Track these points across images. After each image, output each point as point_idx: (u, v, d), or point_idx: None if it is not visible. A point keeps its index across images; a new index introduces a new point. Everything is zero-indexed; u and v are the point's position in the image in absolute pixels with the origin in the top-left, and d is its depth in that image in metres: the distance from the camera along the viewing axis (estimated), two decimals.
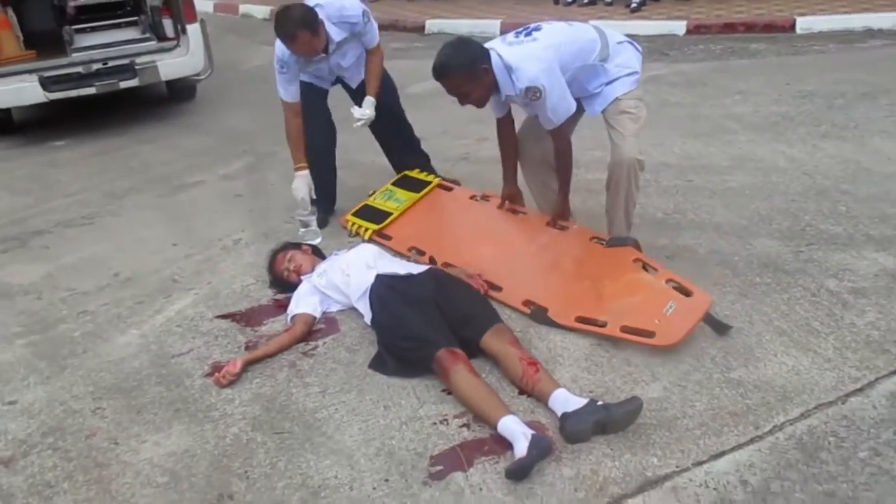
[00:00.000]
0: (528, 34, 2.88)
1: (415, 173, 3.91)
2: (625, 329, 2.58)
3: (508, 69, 2.78)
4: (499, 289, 2.95)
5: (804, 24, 7.52)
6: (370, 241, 3.49)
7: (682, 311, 2.61)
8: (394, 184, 3.87)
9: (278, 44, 3.36)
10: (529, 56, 2.78)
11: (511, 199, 3.42)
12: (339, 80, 3.79)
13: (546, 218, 3.30)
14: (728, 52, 6.97)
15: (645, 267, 2.88)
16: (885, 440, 2.10)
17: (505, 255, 3.17)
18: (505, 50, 2.82)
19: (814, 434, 2.14)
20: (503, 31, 8.62)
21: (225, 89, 7.08)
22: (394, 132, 3.98)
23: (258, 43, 9.50)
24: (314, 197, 3.67)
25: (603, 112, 2.97)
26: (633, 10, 8.57)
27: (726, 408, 2.27)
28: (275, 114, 6.14)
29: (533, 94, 2.76)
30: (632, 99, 2.96)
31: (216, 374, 2.62)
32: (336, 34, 3.40)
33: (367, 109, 3.59)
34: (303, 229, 3.64)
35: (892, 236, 3.21)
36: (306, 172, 3.64)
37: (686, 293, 2.69)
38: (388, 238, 3.51)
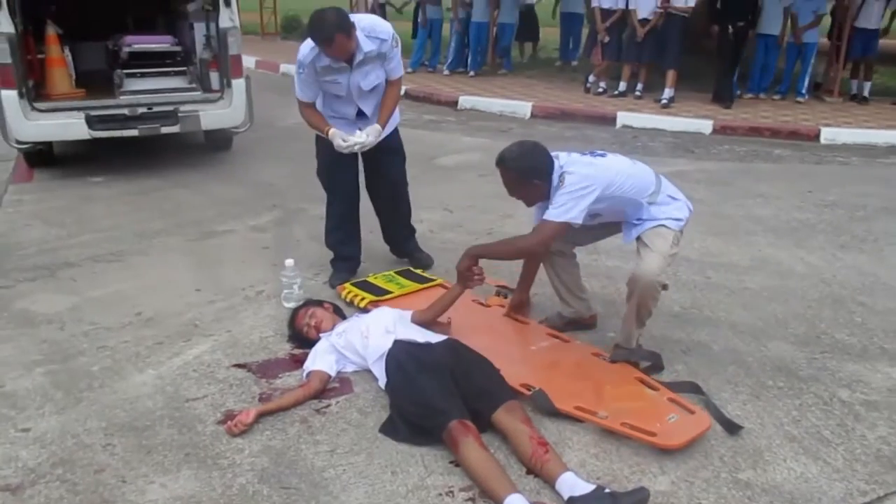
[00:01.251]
0: (595, 155, 3.04)
1: (419, 271, 4.01)
2: (625, 425, 2.59)
3: (560, 173, 2.91)
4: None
5: (828, 134, 7.72)
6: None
7: (685, 422, 2.63)
8: (396, 272, 3.95)
9: (302, 47, 3.49)
10: (585, 163, 2.95)
11: (518, 306, 3.50)
12: (360, 114, 3.80)
13: (547, 329, 3.35)
14: (752, 154, 7.13)
15: (646, 383, 2.90)
16: None
17: (503, 347, 3.14)
18: (566, 158, 2.98)
19: None
20: (534, 114, 8.92)
21: (260, 143, 7.28)
22: (391, 207, 4.10)
23: (295, 102, 9.82)
24: (358, 138, 3.63)
25: (638, 237, 2.99)
26: (664, 106, 8.80)
27: None
28: (306, 170, 6.34)
29: (561, 181, 2.87)
30: (671, 232, 2.97)
31: (228, 423, 2.65)
32: (365, 45, 3.47)
33: (366, 134, 3.61)
34: (286, 291, 3.67)
35: None
36: (335, 130, 3.67)
37: (688, 411, 2.70)
38: None
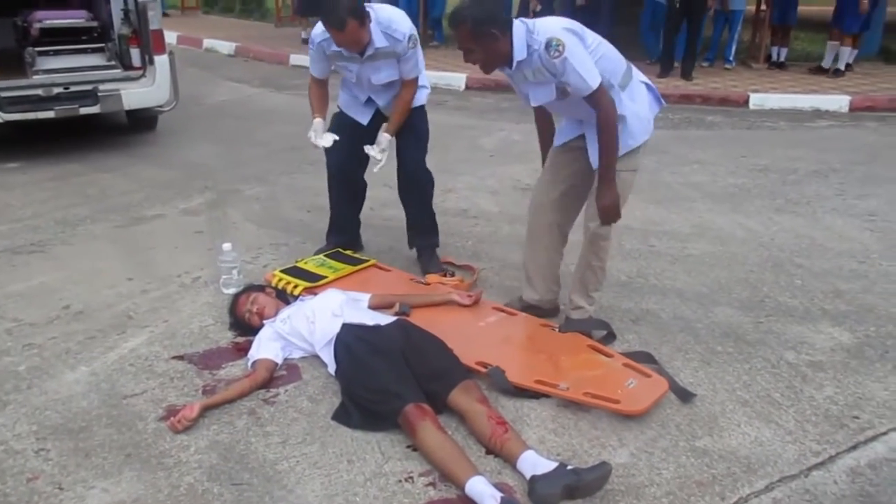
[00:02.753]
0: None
1: (349, 252, 3.84)
2: (588, 395, 2.58)
3: (530, 31, 2.62)
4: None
5: (757, 100, 7.88)
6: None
7: (644, 387, 2.63)
8: (326, 255, 3.77)
9: (317, 26, 3.31)
10: (554, 18, 2.68)
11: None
12: (370, 101, 3.62)
13: (493, 304, 3.28)
14: (686, 122, 7.23)
15: (600, 351, 2.90)
16: None
17: (451, 326, 3.04)
18: (531, 20, 2.71)
19: None
20: (468, 86, 8.80)
21: (187, 122, 6.99)
22: (411, 192, 3.76)
23: (222, 78, 9.50)
24: (321, 140, 3.48)
25: (595, 169, 2.83)
26: None
27: (693, 477, 2.28)
28: (238, 149, 6.16)
29: (555, 52, 2.54)
30: (626, 171, 2.84)
31: (171, 419, 2.51)
32: (378, 40, 3.27)
33: (378, 148, 3.45)
34: (224, 276, 3.51)
35: (846, 312, 3.32)
36: (320, 120, 3.52)
37: (645, 375, 2.71)
38: None
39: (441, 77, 9.01)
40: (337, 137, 3.48)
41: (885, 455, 2.38)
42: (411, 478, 2.28)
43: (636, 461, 2.35)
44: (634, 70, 2.89)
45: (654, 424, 2.53)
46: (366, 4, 3.24)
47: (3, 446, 2.44)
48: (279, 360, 2.87)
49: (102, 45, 6.06)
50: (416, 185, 3.71)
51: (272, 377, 2.79)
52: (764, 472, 2.30)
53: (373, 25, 3.25)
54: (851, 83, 8.50)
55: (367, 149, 3.48)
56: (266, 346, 2.89)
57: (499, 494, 2.09)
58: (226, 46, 11.72)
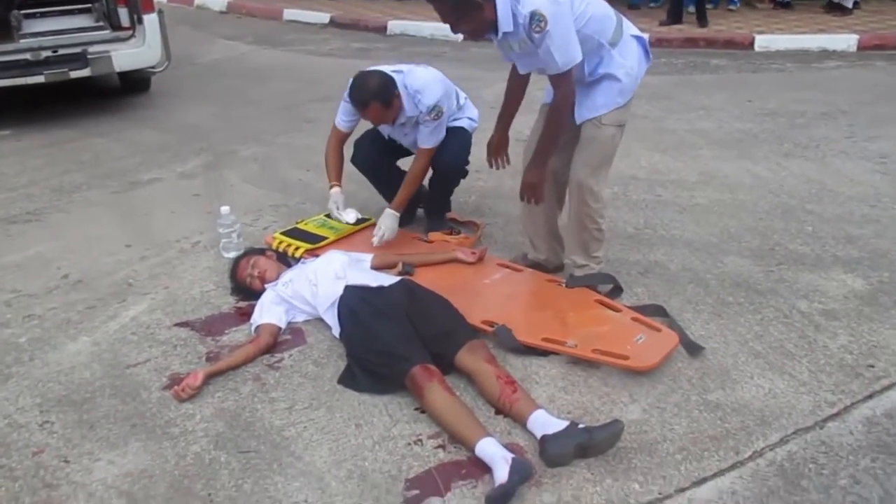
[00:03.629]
0: None
1: None
2: (596, 352, 2.53)
3: (515, 0, 2.48)
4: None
5: (762, 41, 7.68)
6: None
7: (653, 341, 2.58)
8: (327, 215, 3.66)
9: None
10: None
11: (499, 146, 3.11)
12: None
13: (498, 260, 3.22)
14: (690, 66, 7.06)
15: (607, 306, 2.84)
16: (863, 467, 2.08)
17: (456, 284, 2.99)
18: None
19: (794, 460, 2.12)
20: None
21: (181, 83, 6.85)
22: (436, 183, 3.59)
23: (214, 36, 9.30)
24: (344, 215, 3.48)
25: (581, 124, 2.80)
26: None
27: (706, 432, 2.24)
28: (233, 110, 6.04)
29: (537, 26, 2.45)
30: (612, 126, 2.76)
31: (175, 388, 2.47)
32: (409, 108, 3.19)
33: (384, 224, 3.29)
34: (223, 240, 3.44)
35: (858, 258, 3.25)
36: (338, 190, 3.46)
37: (654, 329, 2.65)
38: None
39: (438, 28, 8.80)
40: (360, 215, 3.47)
41: None
42: (420, 440, 2.25)
43: (648, 417, 2.31)
44: (626, 23, 2.79)
45: (665, 379, 2.48)
46: (399, 68, 3.19)
47: (6, 420, 2.41)
48: (283, 325, 2.82)
49: (89, 5, 5.92)
50: (444, 180, 3.56)
51: (276, 342, 2.75)
52: (778, 424, 2.26)
53: (403, 95, 3.17)
54: (859, 21, 8.27)
55: (340, 213, 3.45)
56: (269, 311, 2.84)
57: (510, 455, 2.05)
58: (218, 3, 11.44)
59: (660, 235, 3.54)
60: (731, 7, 9.21)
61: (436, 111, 3.19)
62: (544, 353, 2.62)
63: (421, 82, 3.20)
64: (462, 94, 3.56)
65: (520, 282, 3.07)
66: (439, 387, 2.31)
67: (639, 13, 9.14)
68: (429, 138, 3.29)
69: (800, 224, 3.61)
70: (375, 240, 3.27)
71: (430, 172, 3.46)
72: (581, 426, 2.15)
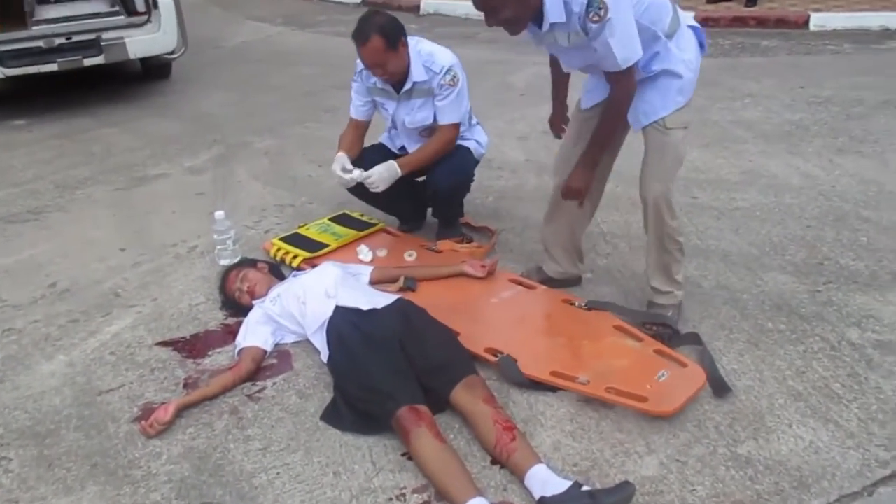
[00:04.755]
0: None
1: (357, 214, 3.48)
2: (611, 391, 2.23)
3: None
4: (456, 333, 2.47)
5: (818, 20, 7.14)
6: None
7: (677, 379, 2.26)
8: (331, 219, 3.44)
9: None
10: None
11: (559, 121, 2.90)
12: (403, 150, 3.26)
13: (510, 276, 2.92)
14: (738, 48, 6.59)
15: (628, 333, 2.53)
16: None
17: (462, 302, 2.74)
18: None
19: None
20: None
21: (203, 68, 6.67)
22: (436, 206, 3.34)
23: (244, 17, 9.09)
24: (350, 170, 2.99)
25: (644, 130, 2.46)
26: None
27: (733, 495, 1.93)
28: (252, 97, 5.81)
29: (595, 15, 2.11)
30: (679, 129, 2.43)
31: (143, 422, 2.26)
32: (417, 73, 2.95)
33: (377, 171, 2.95)
34: (218, 247, 3.21)
35: None
36: (343, 154, 3.06)
37: (680, 364, 2.34)
38: None
39: (472, 8, 8.43)
40: (366, 172, 2.97)
41: None
42: (403, 495, 1.99)
43: (666, 473, 2.01)
44: (681, 13, 2.43)
45: (688, 425, 2.17)
46: (410, 38, 2.91)
47: None
48: (268, 347, 2.59)
49: None
50: (443, 202, 3.25)
51: (259, 367, 2.52)
52: (819, 487, 1.94)
53: (413, 57, 2.92)
54: None
55: (343, 174, 3.00)
56: (254, 332, 2.60)
57: None
58: None
59: (693, 245, 3.19)
60: None
61: (451, 74, 2.95)
62: (553, 388, 2.33)
63: (433, 47, 2.99)
64: (474, 118, 3.26)
65: (531, 302, 2.77)
66: (428, 433, 2.05)
67: None
68: (451, 111, 3.01)
69: (853, 234, 3.22)
70: (357, 177, 2.95)
71: (430, 186, 3.16)
72: (585, 489, 1.86)
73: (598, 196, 2.78)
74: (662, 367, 2.32)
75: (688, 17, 2.46)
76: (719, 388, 2.29)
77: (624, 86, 2.29)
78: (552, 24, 2.22)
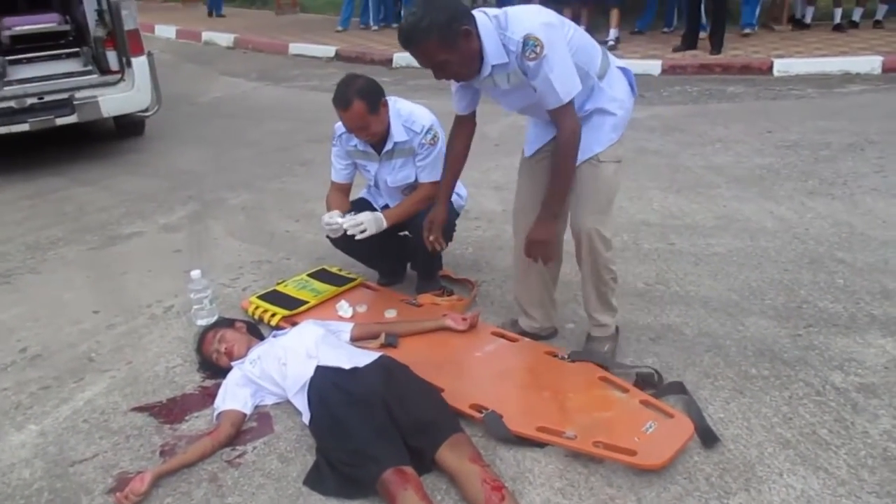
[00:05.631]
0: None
1: (335, 269, 3.46)
2: (598, 444, 2.19)
3: (501, 26, 2.23)
4: (439, 390, 2.43)
5: (781, 66, 7.37)
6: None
7: (665, 430, 2.23)
8: (310, 275, 3.41)
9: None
10: (529, 9, 2.26)
11: (432, 224, 2.83)
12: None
13: (493, 329, 2.90)
14: (705, 94, 6.74)
15: (613, 384, 2.50)
16: None
17: (444, 357, 2.71)
18: (495, 10, 2.30)
19: None
20: None
21: (177, 124, 6.66)
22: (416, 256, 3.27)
23: (218, 73, 9.15)
24: (341, 219, 2.96)
25: (578, 167, 2.44)
26: (610, 48, 8.32)
27: None
28: (227, 153, 5.80)
29: (531, 53, 2.17)
30: (611, 162, 2.48)
31: (118, 494, 2.17)
32: (397, 133, 2.98)
33: (366, 219, 2.91)
34: (195, 306, 3.15)
35: None
36: (336, 210, 3.04)
37: (666, 415, 2.31)
38: None
39: None
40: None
41: None
42: None
43: None
44: (610, 55, 2.52)
45: (679, 478, 2.14)
46: (388, 98, 2.94)
47: None
48: (248, 410, 2.52)
49: (77, 49, 5.74)
50: (424, 256, 3.15)
51: (239, 431, 2.45)
52: None
53: (393, 117, 2.95)
54: (882, 41, 7.92)
55: (340, 220, 2.96)
56: (233, 395, 2.54)
57: None
58: (225, 38, 11.35)
59: (673, 292, 3.21)
60: (748, 31, 8.77)
61: (432, 133, 2.98)
62: (540, 444, 2.29)
63: (411, 107, 3.03)
64: None
65: (515, 355, 2.75)
66: (415, 495, 1.99)
67: (649, 39, 8.88)
68: (432, 170, 3.02)
69: (830, 276, 3.25)
70: (346, 225, 2.91)
71: (411, 237, 3.15)
72: None
73: (560, 244, 2.77)
74: (649, 418, 2.30)
75: (617, 60, 2.53)
76: (708, 438, 2.27)
77: (569, 122, 2.31)
78: (493, 67, 2.28)
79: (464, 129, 2.72)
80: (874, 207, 3.95)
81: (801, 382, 2.54)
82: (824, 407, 2.41)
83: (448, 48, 2.23)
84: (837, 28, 8.65)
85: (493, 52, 2.25)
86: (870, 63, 7.17)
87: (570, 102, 2.28)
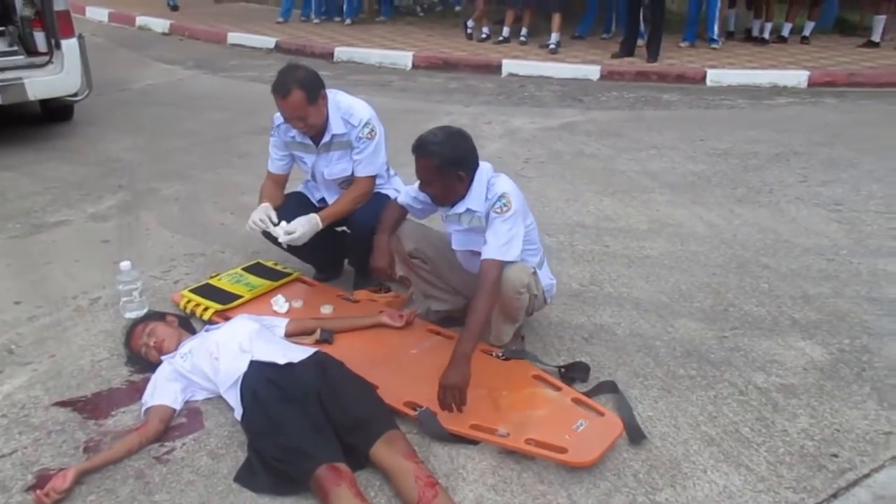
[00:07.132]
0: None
1: (271, 263, 3.41)
2: (530, 442, 2.23)
3: (490, 185, 2.55)
4: (374, 386, 2.42)
5: (714, 76, 7.59)
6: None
7: (596, 428, 2.29)
8: (245, 269, 3.35)
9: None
10: (513, 185, 2.60)
11: (380, 270, 2.85)
12: (323, 202, 3.21)
13: (430, 325, 2.94)
14: (642, 101, 6.89)
15: (546, 382, 2.56)
16: None
17: (380, 353, 2.71)
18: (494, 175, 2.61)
19: None
20: (415, 65, 8.37)
21: (109, 111, 6.43)
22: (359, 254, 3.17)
23: (152, 59, 8.88)
24: (276, 222, 2.94)
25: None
26: (552, 52, 8.45)
27: None
28: (161, 142, 5.64)
29: (501, 208, 2.49)
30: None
31: (38, 492, 2.09)
32: (335, 126, 2.95)
33: (299, 225, 2.88)
34: (124, 299, 3.07)
35: (817, 321, 3.03)
36: (267, 204, 3.02)
37: (597, 413, 2.38)
38: None
39: (386, 56, 8.56)
40: (289, 226, 2.91)
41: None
42: None
43: None
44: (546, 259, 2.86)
45: (608, 474, 2.19)
46: (328, 90, 2.91)
47: None
48: (178, 406, 2.46)
49: (2, 28, 5.47)
50: (364, 243, 3.04)
51: (167, 427, 2.39)
52: None
53: (331, 110, 2.93)
54: (809, 57, 8.24)
55: (269, 224, 2.94)
56: (162, 389, 2.48)
57: None
58: (160, 24, 11.00)
59: (606, 293, 3.28)
60: (714, 46, 8.72)
61: (370, 127, 2.98)
62: (474, 441, 2.31)
63: (350, 100, 3.02)
64: (392, 169, 3.28)
65: (450, 352, 2.74)
66: (349, 492, 1.99)
67: (589, 44, 9.03)
68: (368, 164, 3.02)
69: (755, 280, 3.38)
70: (281, 233, 2.89)
71: (350, 232, 3.14)
72: None
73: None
74: (580, 416, 2.35)
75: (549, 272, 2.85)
76: (636, 435, 2.33)
77: (496, 279, 2.47)
78: (468, 209, 2.57)
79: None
80: (798, 215, 4.12)
81: (726, 382, 2.63)
82: (747, 406, 2.50)
83: (441, 178, 2.53)
84: (759, 41, 8.90)
85: (475, 199, 2.55)
86: (797, 77, 7.46)
87: (504, 264, 2.48)
